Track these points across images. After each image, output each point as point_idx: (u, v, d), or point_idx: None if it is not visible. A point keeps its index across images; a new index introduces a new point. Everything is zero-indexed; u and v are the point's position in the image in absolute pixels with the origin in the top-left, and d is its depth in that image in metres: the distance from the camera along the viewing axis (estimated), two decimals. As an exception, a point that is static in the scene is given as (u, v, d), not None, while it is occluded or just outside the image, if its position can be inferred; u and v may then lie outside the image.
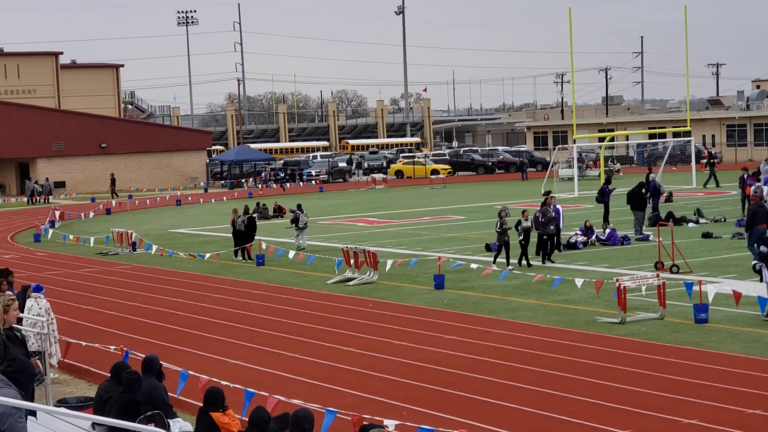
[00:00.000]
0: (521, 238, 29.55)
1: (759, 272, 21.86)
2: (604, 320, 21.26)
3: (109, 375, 13.35)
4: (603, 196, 38.89)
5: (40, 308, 17.57)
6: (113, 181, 76.87)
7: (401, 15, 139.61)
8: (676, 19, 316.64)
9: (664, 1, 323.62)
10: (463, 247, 35.07)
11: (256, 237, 34.91)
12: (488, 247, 33.55)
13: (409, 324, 21.85)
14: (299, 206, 37.63)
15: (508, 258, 29.28)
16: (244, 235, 34.78)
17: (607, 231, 34.68)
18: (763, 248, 21.75)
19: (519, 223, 29.65)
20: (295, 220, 37.12)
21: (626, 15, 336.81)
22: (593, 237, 34.05)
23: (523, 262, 29.51)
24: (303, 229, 36.84)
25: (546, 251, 30.44)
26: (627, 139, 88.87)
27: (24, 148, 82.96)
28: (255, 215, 37.17)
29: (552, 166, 69.54)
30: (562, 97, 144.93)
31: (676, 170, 74.05)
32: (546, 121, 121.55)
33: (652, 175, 43.09)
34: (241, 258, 34.39)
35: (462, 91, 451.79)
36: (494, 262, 29.42)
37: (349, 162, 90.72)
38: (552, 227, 30.47)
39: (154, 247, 37.11)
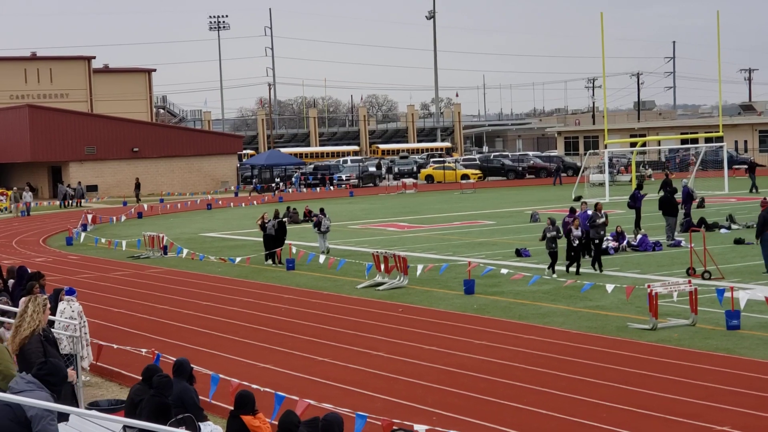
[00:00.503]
0: (576, 244, 28.88)
1: None
2: (636, 326, 21.14)
3: (140, 378, 13.40)
4: (634, 202, 38.75)
5: (73, 311, 17.68)
6: (138, 185, 76.77)
7: (432, 20, 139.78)
8: (708, 24, 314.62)
9: (696, 7, 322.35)
10: (493, 252, 35.00)
11: (286, 241, 35.03)
12: (518, 252, 33.48)
13: (439, 329, 21.81)
14: (322, 210, 37.97)
15: (553, 266, 28.61)
16: (274, 239, 34.89)
17: (639, 236, 34.50)
18: None
19: (570, 231, 28.95)
20: (317, 224, 37.38)
21: (658, 20, 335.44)
22: (624, 242, 33.88)
23: (571, 269, 28.87)
24: (325, 233, 37.11)
25: (598, 257, 29.56)
26: (659, 145, 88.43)
27: (57, 152, 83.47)
28: (285, 219, 37.30)
29: (583, 172, 69.29)
30: (594, 102, 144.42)
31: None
32: (577, 126, 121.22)
33: (684, 180, 42.89)
34: (271, 262, 34.48)
35: (492, 96, 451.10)
36: (552, 270, 28.51)
37: (378, 167, 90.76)
38: (602, 232, 30.02)
39: (185, 251, 37.28)
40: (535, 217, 46.27)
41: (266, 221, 35.30)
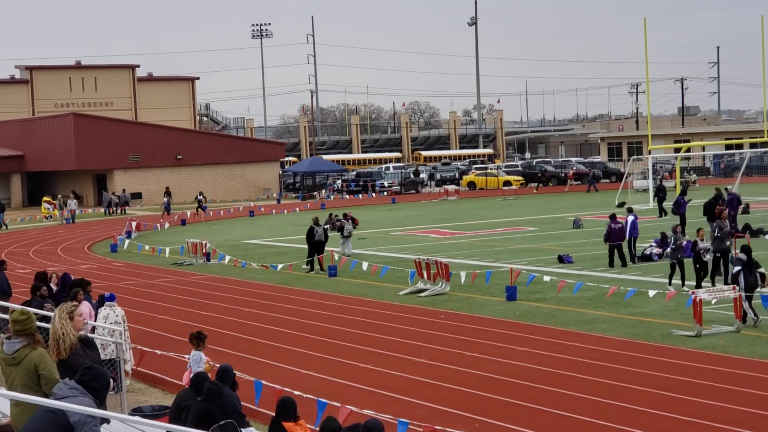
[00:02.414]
0: (707, 258, 26.77)
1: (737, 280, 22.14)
2: (680, 333, 20.98)
3: (184, 384, 13.47)
4: (679, 208, 38.45)
5: (117, 316, 17.82)
6: (168, 193, 75.03)
7: (474, 26, 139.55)
8: (752, 28, 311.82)
9: (740, 11, 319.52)
10: (535, 258, 34.86)
11: (326, 248, 35.12)
12: (561, 259, 33.33)
13: (481, 335, 21.75)
14: (345, 215, 38.59)
15: (683, 278, 26.65)
16: (319, 245, 34.92)
17: (683, 243, 34.18)
18: (742, 255, 22.22)
19: (695, 243, 26.83)
20: (340, 229, 37.74)
21: (702, 25, 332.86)
22: (668, 249, 33.54)
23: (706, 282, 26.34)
24: (348, 237, 37.67)
25: (724, 271, 26.77)
26: (703, 150, 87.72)
27: (101, 160, 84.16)
28: (326, 227, 37.48)
29: (626, 178, 68.86)
30: (637, 108, 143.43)
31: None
32: (620, 131, 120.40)
33: (729, 186, 42.53)
34: (310, 269, 34.47)
35: (535, 102, 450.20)
36: (670, 283, 26.62)
37: (416, 173, 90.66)
38: (728, 243, 27.60)
39: (228, 258, 37.45)
40: (578, 223, 46.04)
41: (315, 228, 35.27)
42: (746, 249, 22.46)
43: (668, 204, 45.99)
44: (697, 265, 26.79)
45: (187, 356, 18.17)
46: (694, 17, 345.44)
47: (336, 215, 52.19)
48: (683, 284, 26.36)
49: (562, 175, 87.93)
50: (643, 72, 64.55)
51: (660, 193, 51.34)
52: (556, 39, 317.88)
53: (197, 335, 15.93)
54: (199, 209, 65.83)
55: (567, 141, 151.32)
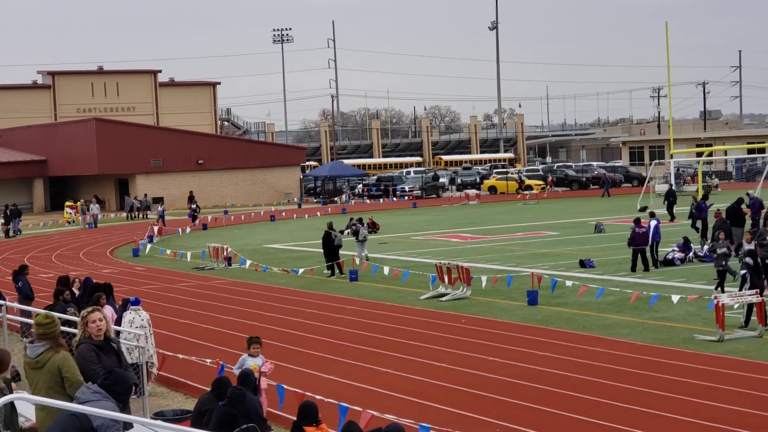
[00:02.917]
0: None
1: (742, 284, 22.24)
2: (702, 338, 20.89)
3: (207, 388, 13.50)
4: (700, 212, 38.28)
5: (142, 320, 17.90)
6: (191, 198, 75.10)
7: (495, 30, 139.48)
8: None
9: (762, 15, 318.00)
10: (556, 262, 34.79)
11: (345, 252, 35.18)
12: (582, 263, 33.25)
13: (502, 340, 21.72)
14: (360, 220, 38.66)
15: (722, 285, 25.84)
16: (336, 250, 34.92)
17: (705, 247, 34.08)
18: (748, 259, 22.22)
19: (740, 246, 25.89)
20: (355, 233, 37.81)
21: (724, 29, 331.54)
22: (691, 253, 33.49)
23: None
24: (363, 242, 37.82)
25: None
26: (725, 154, 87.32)
27: (123, 165, 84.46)
28: (347, 231, 37.67)
29: (648, 182, 68.64)
30: (659, 112, 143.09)
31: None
32: (642, 135, 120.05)
33: (750, 191, 42.35)
34: (330, 273, 34.47)
35: (556, 106, 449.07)
36: (721, 290, 25.23)
37: (435, 178, 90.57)
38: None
39: (249, 262, 37.54)
40: (600, 227, 45.92)
41: (334, 233, 35.28)
42: (752, 254, 22.36)
43: (680, 209, 46.09)
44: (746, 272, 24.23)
45: (208, 361, 18.25)
46: (716, 21, 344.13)
47: (358, 219, 52.23)
48: (741, 289, 23.74)
49: (584, 179, 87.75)
50: (665, 76, 64.35)
51: (670, 198, 51.29)
52: (577, 43, 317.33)
53: (254, 339, 15.77)
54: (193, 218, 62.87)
55: (588, 145, 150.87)
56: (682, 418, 15.18)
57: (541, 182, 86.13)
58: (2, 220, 62.20)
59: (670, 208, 50.10)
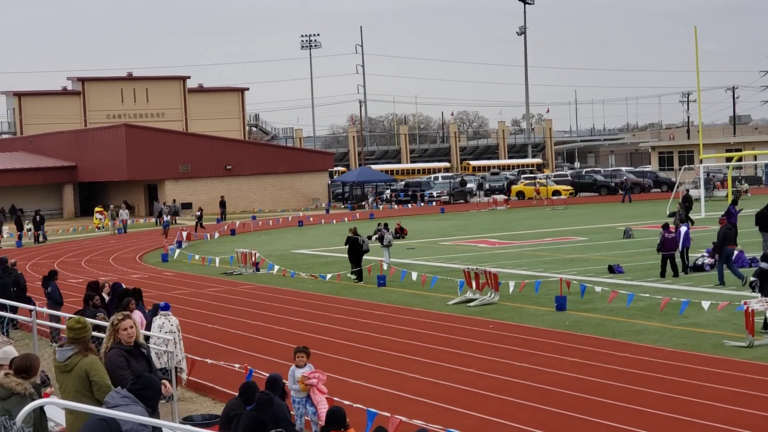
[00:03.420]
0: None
1: (753, 288, 22.06)
2: (732, 344, 20.75)
3: (236, 393, 13.53)
4: (730, 218, 38.01)
5: (172, 325, 17.96)
6: (222, 203, 75.71)
7: (523, 35, 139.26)
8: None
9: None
10: (585, 268, 34.65)
11: (364, 257, 35.14)
12: (611, 269, 33.11)
13: (531, 345, 21.65)
14: (385, 225, 38.66)
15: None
16: (362, 255, 34.90)
17: (735, 253, 33.82)
18: (764, 264, 21.90)
19: None
20: (380, 238, 37.81)
21: (753, 33, 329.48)
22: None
23: None
24: (388, 247, 37.91)
25: None
26: (755, 159, 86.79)
27: (152, 170, 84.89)
28: (374, 236, 37.66)
29: (677, 187, 68.31)
30: (688, 117, 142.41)
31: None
32: (671, 140, 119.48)
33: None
34: (357, 279, 34.46)
35: (584, 111, 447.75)
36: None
37: (462, 183, 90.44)
38: None
39: (276, 268, 37.61)
40: (628, 233, 45.72)
41: (361, 238, 35.25)
42: (766, 258, 22.25)
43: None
44: None
45: (237, 366, 18.29)
46: (746, 25, 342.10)
47: (385, 224, 52.24)
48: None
49: (612, 184, 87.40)
50: (694, 80, 64.02)
51: (686, 203, 51.04)
52: (606, 48, 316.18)
53: (299, 349, 15.56)
54: (199, 226, 62.57)
55: (617, 150, 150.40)
56: (711, 423, 15.08)
57: (569, 188, 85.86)
58: (32, 226, 62.63)
59: (686, 213, 49.78)
